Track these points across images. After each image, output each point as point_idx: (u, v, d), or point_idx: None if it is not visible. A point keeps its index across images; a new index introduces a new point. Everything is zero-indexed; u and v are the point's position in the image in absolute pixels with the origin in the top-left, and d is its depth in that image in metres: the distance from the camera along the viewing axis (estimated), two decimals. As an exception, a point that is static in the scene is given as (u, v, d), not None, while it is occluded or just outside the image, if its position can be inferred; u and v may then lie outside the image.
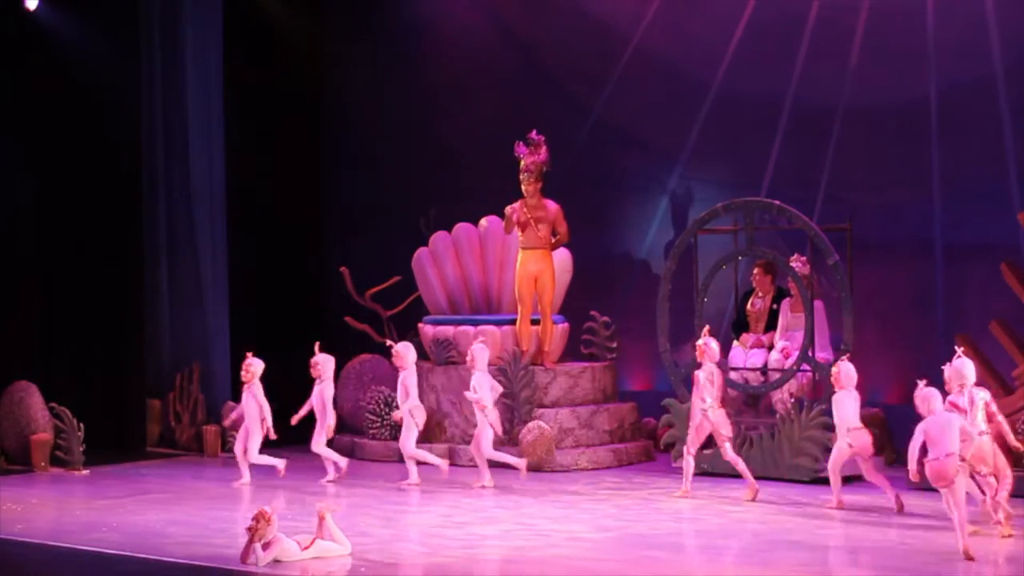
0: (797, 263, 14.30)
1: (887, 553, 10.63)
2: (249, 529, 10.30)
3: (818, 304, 14.22)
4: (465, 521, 11.99)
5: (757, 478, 13.08)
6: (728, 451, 13.11)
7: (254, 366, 14.31)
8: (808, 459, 13.58)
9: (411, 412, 14.10)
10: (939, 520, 11.73)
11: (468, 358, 14.17)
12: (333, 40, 19.15)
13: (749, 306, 14.99)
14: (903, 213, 15.43)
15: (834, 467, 12.47)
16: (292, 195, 18.57)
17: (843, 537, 11.30)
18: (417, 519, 12.14)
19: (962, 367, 11.02)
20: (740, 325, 15.05)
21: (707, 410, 13.11)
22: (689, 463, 13.23)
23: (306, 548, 10.43)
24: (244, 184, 17.83)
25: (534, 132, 15.24)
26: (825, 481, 12.79)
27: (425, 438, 15.54)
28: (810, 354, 13.92)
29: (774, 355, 14.49)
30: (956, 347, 11.29)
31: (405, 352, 14.22)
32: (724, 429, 13.14)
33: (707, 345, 13.22)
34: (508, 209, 15.41)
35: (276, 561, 10.27)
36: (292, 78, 18.75)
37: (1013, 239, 14.46)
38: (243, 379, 14.35)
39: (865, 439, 12.36)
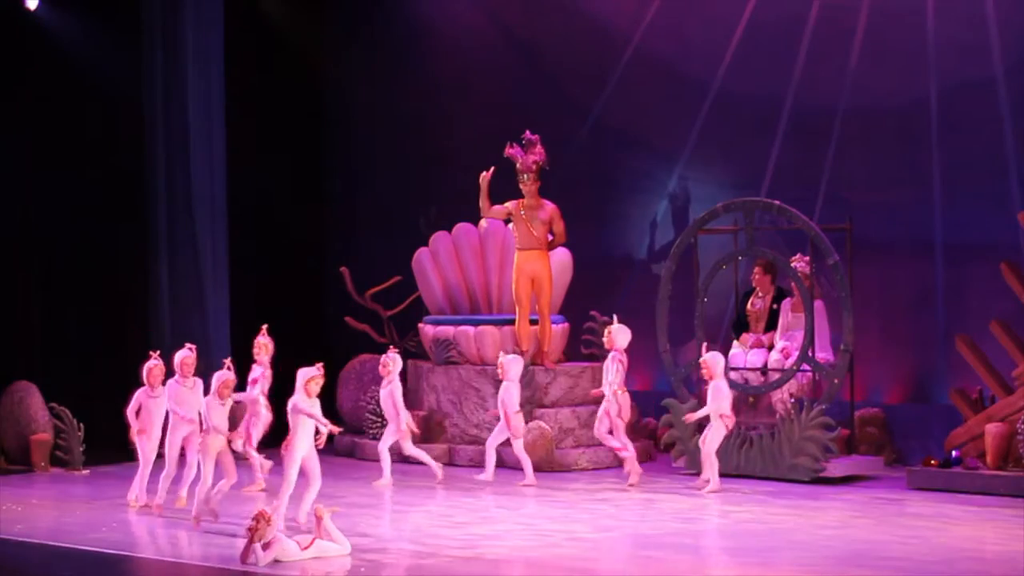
0: (800, 263, 14.30)
1: (887, 552, 10.62)
2: (249, 529, 10.31)
3: (818, 304, 14.21)
4: (465, 521, 11.99)
5: (757, 478, 13.08)
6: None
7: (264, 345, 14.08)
8: (808, 459, 13.56)
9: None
10: (939, 520, 11.75)
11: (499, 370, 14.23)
12: (333, 41, 19.15)
13: (749, 306, 14.97)
14: (903, 213, 15.41)
15: (716, 451, 13.21)
16: (292, 195, 18.57)
17: (843, 537, 11.29)
18: (417, 519, 12.14)
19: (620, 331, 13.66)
20: (740, 325, 15.03)
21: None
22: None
23: (306, 548, 10.43)
24: (245, 184, 17.81)
25: (528, 132, 15.23)
26: (826, 481, 12.78)
27: (426, 438, 15.52)
28: (810, 354, 13.92)
29: (774, 355, 14.48)
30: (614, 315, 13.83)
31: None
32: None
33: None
34: (482, 179, 15.20)
35: (276, 561, 10.28)
36: (293, 79, 18.75)
37: (1013, 239, 14.44)
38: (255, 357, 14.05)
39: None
